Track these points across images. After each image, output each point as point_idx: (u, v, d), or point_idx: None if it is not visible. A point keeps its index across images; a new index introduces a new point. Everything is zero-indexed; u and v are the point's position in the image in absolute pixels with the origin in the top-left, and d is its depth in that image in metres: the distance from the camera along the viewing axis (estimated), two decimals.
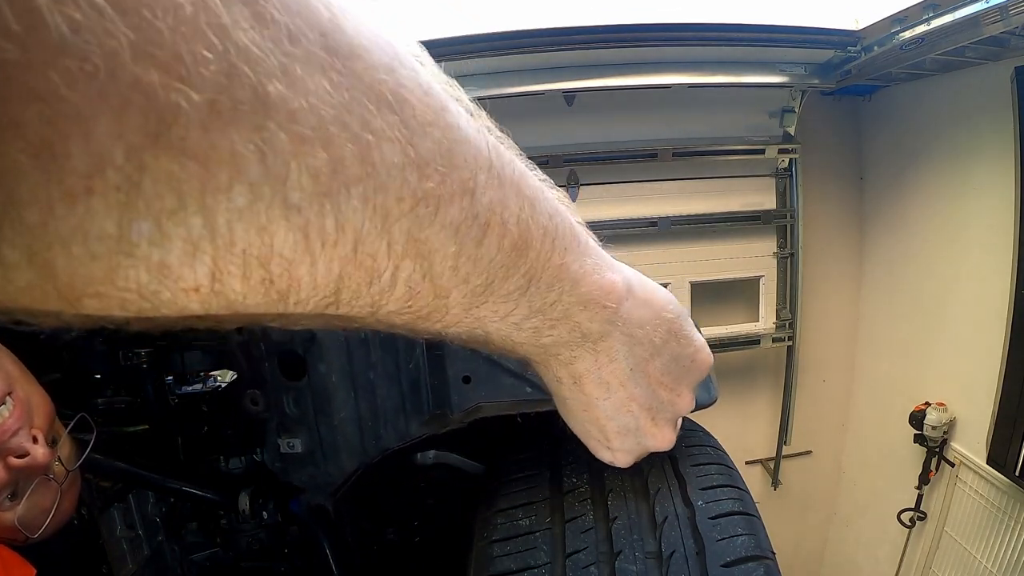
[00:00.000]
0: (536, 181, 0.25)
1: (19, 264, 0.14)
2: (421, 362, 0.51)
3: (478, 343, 0.28)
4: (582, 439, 0.40)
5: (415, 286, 0.21)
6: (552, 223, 0.26)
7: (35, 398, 0.53)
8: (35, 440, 0.52)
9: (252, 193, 0.16)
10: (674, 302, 0.37)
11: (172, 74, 0.14)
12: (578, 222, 0.28)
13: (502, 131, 0.25)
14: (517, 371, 0.51)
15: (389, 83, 0.18)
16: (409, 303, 0.21)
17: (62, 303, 0.16)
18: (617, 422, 0.37)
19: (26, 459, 0.50)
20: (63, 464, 0.55)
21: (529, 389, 0.52)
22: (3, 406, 0.50)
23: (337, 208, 0.17)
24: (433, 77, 0.21)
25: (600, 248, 0.30)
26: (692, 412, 0.56)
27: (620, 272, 0.31)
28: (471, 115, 0.22)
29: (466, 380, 0.51)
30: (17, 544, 0.53)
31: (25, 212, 0.14)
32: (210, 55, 0.14)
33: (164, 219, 0.15)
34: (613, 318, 0.31)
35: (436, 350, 0.51)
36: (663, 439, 0.40)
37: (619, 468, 0.59)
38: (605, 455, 0.41)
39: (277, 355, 0.49)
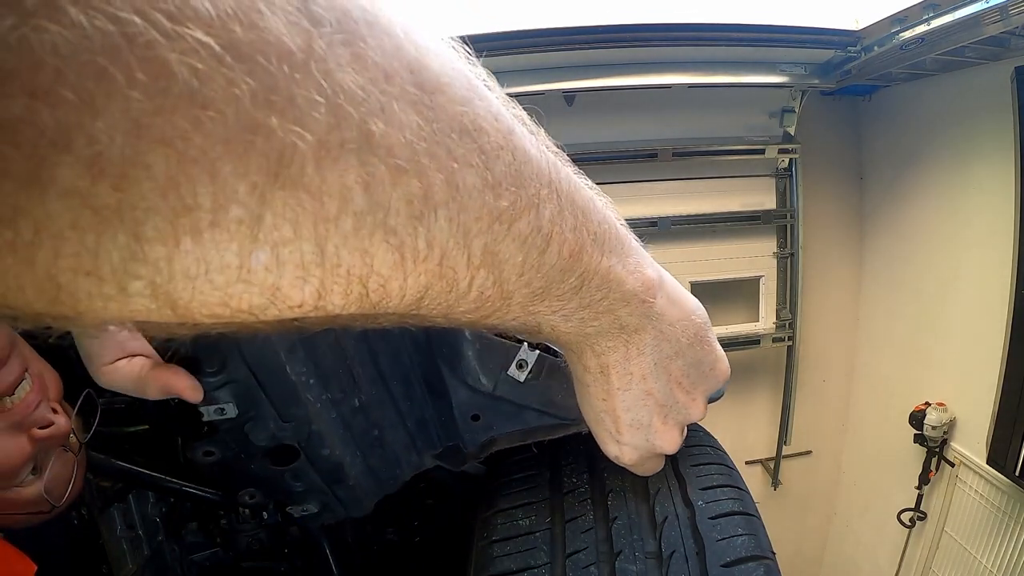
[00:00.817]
0: (587, 191, 0.27)
1: (140, 294, 0.16)
2: (424, 400, 0.51)
3: (528, 331, 0.30)
4: (594, 429, 0.41)
5: (486, 292, 0.23)
6: (601, 229, 0.28)
7: (47, 374, 0.55)
8: (54, 411, 0.53)
9: (357, 221, 0.17)
10: (702, 308, 0.39)
11: (288, 117, 0.15)
12: (621, 224, 0.31)
13: (558, 147, 0.26)
14: (523, 403, 0.51)
15: (468, 114, 0.20)
16: (478, 305, 0.23)
17: (174, 321, 0.17)
18: (631, 415, 0.38)
19: (50, 428, 0.52)
20: (76, 436, 0.56)
21: (539, 418, 0.52)
22: (24, 381, 0.51)
23: (427, 229, 0.19)
24: (501, 102, 0.22)
25: (640, 246, 0.33)
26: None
27: (656, 269, 0.34)
28: (533, 135, 0.24)
29: (475, 418, 0.51)
30: (35, 523, 0.54)
31: (149, 248, 0.15)
32: (320, 98, 0.16)
33: (280, 248, 0.17)
34: (649, 312, 0.33)
35: (440, 398, 0.50)
36: (670, 440, 0.40)
37: (619, 468, 0.59)
38: (612, 449, 0.41)
39: (265, 454, 0.48)
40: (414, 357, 0.48)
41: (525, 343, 0.49)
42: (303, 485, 0.51)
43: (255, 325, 0.19)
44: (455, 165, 0.19)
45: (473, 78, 0.21)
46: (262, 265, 0.16)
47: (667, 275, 0.36)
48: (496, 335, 0.48)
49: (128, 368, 0.44)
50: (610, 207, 0.30)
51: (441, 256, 0.20)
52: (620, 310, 0.31)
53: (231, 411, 0.44)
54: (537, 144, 0.24)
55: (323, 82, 0.16)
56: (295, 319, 0.19)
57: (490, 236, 0.21)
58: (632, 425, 0.38)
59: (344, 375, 0.46)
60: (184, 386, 0.43)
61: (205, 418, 0.44)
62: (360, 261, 0.18)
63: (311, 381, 0.45)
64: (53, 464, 0.55)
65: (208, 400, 0.44)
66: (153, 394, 0.43)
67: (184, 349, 0.41)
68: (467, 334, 0.47)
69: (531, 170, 0.22)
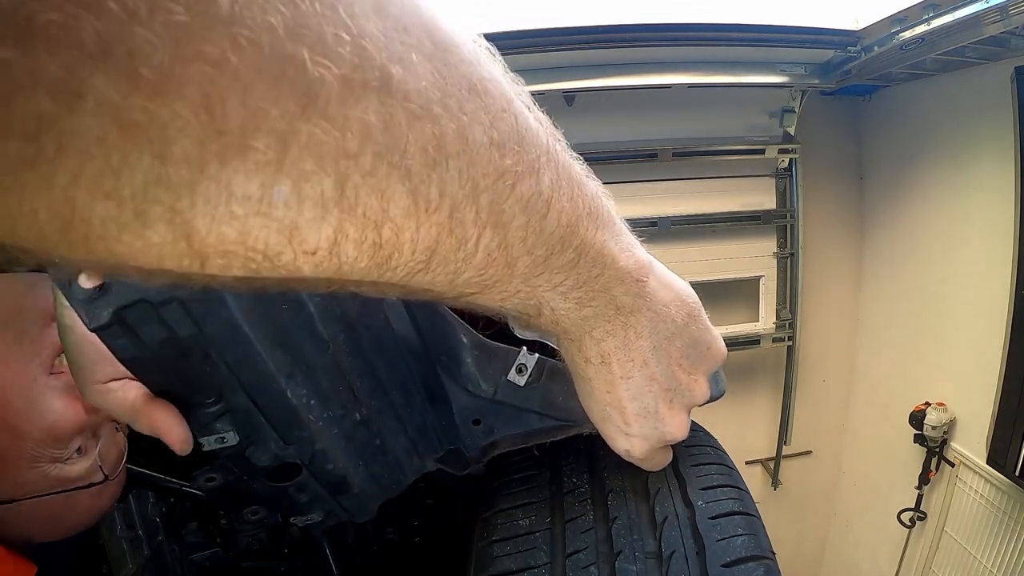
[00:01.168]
0: (579, 169, 0.28)
1: (159, 221, 0.16)
2: (424, 406, 0.51)
3: (527, 314, 0.30)
4: (601, 427, 0.40)
5: (492, 254, 0.23)
6: (595, 204, 0.28)
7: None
8: None
9: (375, 160, 0.18)
10: (692, 290, 0.39)
11: (317, 51, 0.16)
12: (612, 207, 0.31)
13: (555, 126, 0.28)
14: (524, 406, 0.51)
15: (476, 74, 0.21)
16: (483, 271, 0.24)
17: (188, 262, 0.17)
18: (638, 403, 0.38)
19: None
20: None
21: (540, 421, 0.52)
22: None
23: (440, 178, 0.20)
24: (502, 70, 0.24)
25: (629, 232, 0.33)
26: (699, 405, 0.56)
27: (645, 253, 0.34)
28: (529, 108, 0.25)
29: (476, 423, 0.51)
30: (74, 523, 0.53)
31: (174, 171, 0.15)
32: (347, 37, 0.17)
33: (302, 183, 0.17)
34: (643, 292, 0.34)
35: (440, 403, 0.50)
36: (679, 425, 0.40)
37: (619, 468, 0.59)
38: (622, 442, 0.40)
39: (268, 474, 0.48)
40: (412, 365, 0.47)
41: (524, 347, 0.48)
42: (307, 496, 0.50)
43: (263, 280, 0.19)
44: (465, 119, 0.20)
45: (477, 46, 0.22)
46: (283, 199, 0.17)
47: (655, 260, 0.36)
48: (493, 338, 0.48)
49: (122, 394, 0.41)
50: (601, 189, 0.30)
51: (451, 208, 0.20)
52: (615, 289, 0.32)
53: (232, 439, 0.43)
54: (535, 115, 0.25)
55: (349, 23, 0.16)
56: (304, 277, 0.19)
57: (495, 193, 0.22)
58: (640, 414, 0.38)
59: (344, 391, 0.46)
60: (174, 438, 0.40)
61: (206, 448, 0.43)
62: (377, 203, 0.18)
63: (312, 402, 0.45)
64: (103, 441, 0.54)
65: (208, 430, 0.43)
66: (142, 429, 0.41)
67: (180, 379, 0.40)
68: (465, 340, 0.47)
69: (531, 137, 0.23)
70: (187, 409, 0.42)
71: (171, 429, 0.40)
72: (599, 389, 0.37)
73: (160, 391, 0.40)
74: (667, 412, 0.39)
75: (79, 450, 0.52)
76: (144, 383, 0.40)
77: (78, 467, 0.52)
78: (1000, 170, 1.73)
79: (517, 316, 0.31)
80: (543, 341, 0.49)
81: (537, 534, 0.52)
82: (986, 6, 1.40)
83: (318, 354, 0.43)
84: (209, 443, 0.43)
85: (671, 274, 0.37)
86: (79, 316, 0.35)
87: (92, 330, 0.35)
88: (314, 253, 0.18)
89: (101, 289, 0.35)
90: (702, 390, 0.40)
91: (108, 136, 0.14)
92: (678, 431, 0.40)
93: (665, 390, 0.38)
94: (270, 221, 0.17)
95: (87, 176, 0.14)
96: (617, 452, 0.41)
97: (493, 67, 0.22)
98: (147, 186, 0.15)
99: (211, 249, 0.17)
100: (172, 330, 0.37)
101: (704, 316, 0.39)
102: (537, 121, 0.25)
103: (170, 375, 0.39)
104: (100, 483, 0.53)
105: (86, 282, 0.34)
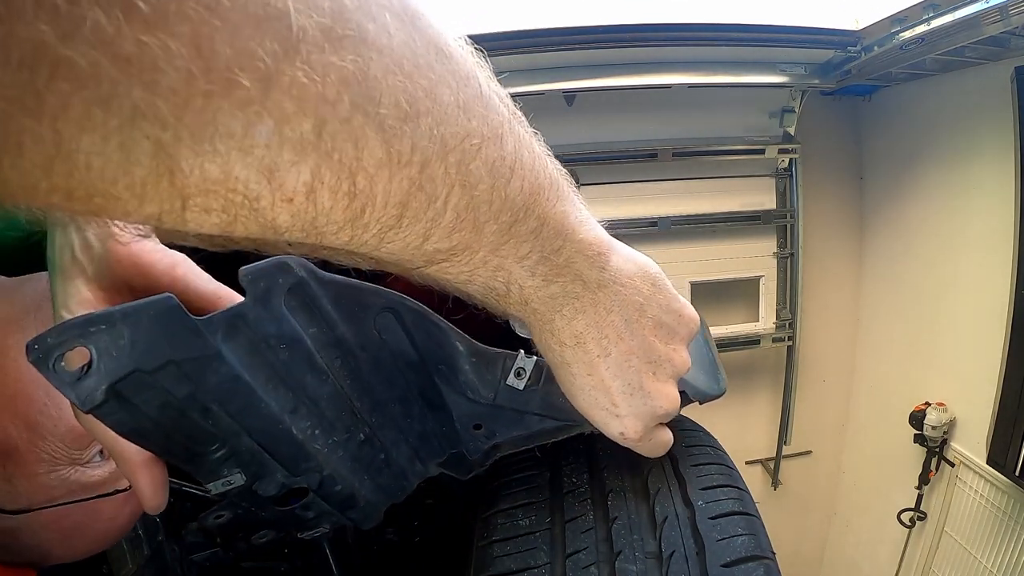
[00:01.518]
0: (538, 145, 0.29)
1: (144, 155, 0.16)
2: (423, 415, 0.50)
3: (496, 296, 0.31)
4: (591, 415, 0.40)
5: (461, 214, 0.24)
6: (554, 177, 0.29)
7: None
8: None
9: (352, 108, 0.19)
10: (653, 262, 0.39)
11: (300, 1, 0.17)
12: (571, 185, 0.32)
13: (515, 102, 0.29)
14: (524, 409, 0.51)
15: (442, 39, 0.22)
16: (452, 234, 0.25)
17: (169, 204, 0.17)
18: (621, 380, 0.37)
19: None
20: None
21: (540, 422, 0.52)
22: None
23: (412, 132, 0.21)
24: (464, 44, 0.25)
25: (587, 211, 0.34)
26: (702, 403, 0.56)
27: (603, 232, 0.35)
28: (491, 80, 0.26)
29: (477, 427, 0.51)
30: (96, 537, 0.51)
31: (162, 103, 0.15)
32: None
33: (283, 123, 0.18)
34: (606, 266, 0.34)
35: (440, 411, 0.50)
36: (668, 396, 0.39)
37: (619, 468, 0.59)
38: (615, 426, 0.39)
39: (276, 501, 0.48)
40: (410, 377, 0.47)
41: (521, 350, 0.48)
42: (314, 513, 0.50)
43: (238, 233, 0.20)
44: (434, 77, 0.21)
45: (440, 17, 0.23)
46: (264, 138, 0.17)
47: (615, 240, 0.36)
48: (489, 342, 0.48)
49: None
50: (559, 166, 0.31)
51: (421, 164, 0.21)
52: (579, 263, 0.32)
53: (238, 480, 0.42)
54: (495, 87, 0.26)
55: None
56: (279, 229, 0.20)
57: (463, 154, 0.23)
58: (625, 391, 0.37)
59: (347, 415, 0.46)
60: (147, 494, 0.38)
61: (213, 492, 0.43)
62: (352, 150, 0.19)
63: (316, 432, 0.44)
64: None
65: (214, 476, 0.42)
66: (122, 472, 0.39)
67: (182, 436, 0.39)
68: (461, 347, 0.46)
69: (494, 105, 0.25)
70: (191, 459, 0.41)
71: (147, 488, 0.38)
72: (580, 373, 0.37)
73: (163, 453, 0.39)
74: (652, 385, 0.38)
75: (100, 453, 0.49)
76: (147, 450, 0.38)
77: (99, 472, 0.49)
78: (1000, 170, 1.73)
79: (486, 296, 0.31)
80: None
81: (537, 534, 0.52)
82: (986, 6, 1.40)
83: (318, 384, 0.43)
84: (216, 487, 0.42)
85: (630, 249, 0.38)
86: (69, 400, 0.33)
87: (87, 412, 0.33)
88: (291, 200, 0.19)
89: (88, 368, 0.32)
90: (683, 359, 0.40)
91: (100, 66, 0.14)
92: (668, 404, 0.39)
93: (646, 363, 0.37)
94: (251, 160, 0.18)
95: (76, 106, 0.14)
96: (613, 438, 0.40)
97: (457, 39, 0.24)
98: (134, 118, 0.15)
99: (193, 188, 0.17)
100: (169, 393, 0.36)
101: (669, 285, 0.39)
102: (498, 95, 0.26)
103: (172, 436, 0.38)
104: (124, 491, 0.50)
105: (71, 364, 0.32)
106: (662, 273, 0.39)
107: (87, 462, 0.48)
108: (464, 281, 0.29)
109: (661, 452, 0.44)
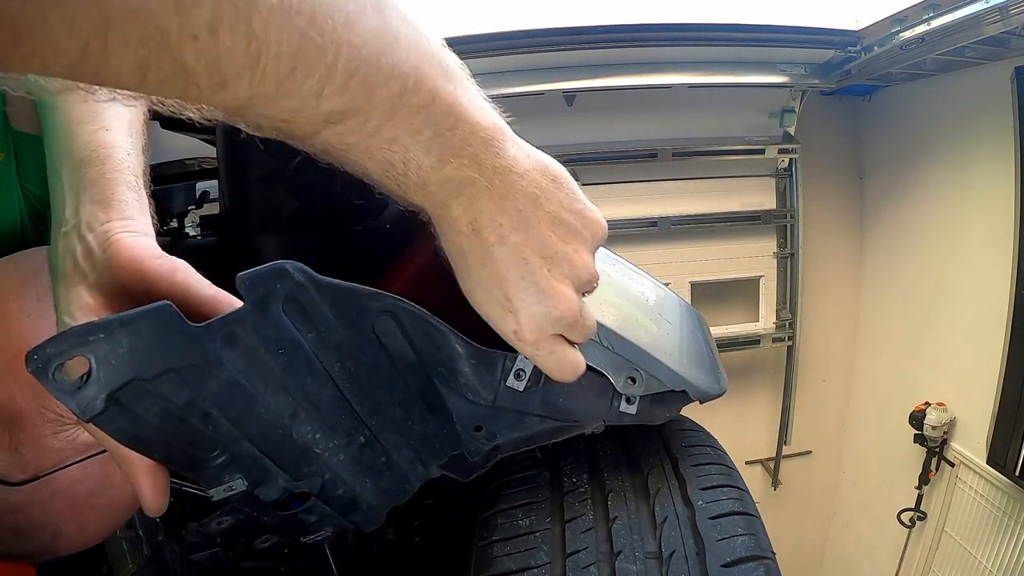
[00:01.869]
0: (430, 35, 0.31)
1: None
2: (424, 417, 0.50)
3: (395, 174, 0.32)
4: (486, 310, 0.38)
5: (351, 74, 0.26)
6: (444, 62, 0.31)
7: None
8: None
9: None
10: (557, 163, 0.38)
11: None
12: (466, 74, 0.33)
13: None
14: (525, 410, 0.51)
15: None
16: (344, 94, 0.26)
17: (94, 31, 0.19)
18: (515, 273, 0.36)
19: None
20: None
21: (541, 423, 0.52)
22: None
23: None
24: None
25: (490, 103, 0.35)
26: (702, 403, 0.56)
27: (503, 123, 0.35)
28: None
29: (477, 429, 0.51)
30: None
31: None
32: None
33: None
34: (503, 153, 0.34)
35: (440, 413, 0.50)
36: (564, 299, 0.37)
37: (619, 468, 0.59)
38: (508, 323, 0.38)
39: (278, 506, 0.48)
40: (409, 380, 0.47)
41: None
42: (316, 517, 0.50)
43: (151, 81, 0.21)
44: None
45: None
46: None
47: (517, 136, 0.37)
48: (487, 344, 0.48)
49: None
50: (454, 57, 0.32)
51: (311, 17, 0.23)
52: (475, 146, 0.33)
53: (240, 485, 0.42)
54: None
55: None
56: (187, 68, 0.22)
57: (348, 15, 0.25)
58: (518, 286, 0.36)
59: (347, 418, 0.46)
60: (147, 497, 0.38)
61: (215, 498, 0.43)
62: None
63: (317, 436, 0.44)
64: None
65: (216, 482, 0.42)
66: (124, 474, 0.39)
67: (182, 443, 0.39)
68: (460, 349, 0.46)
69: None
70: (192, 466, 0.41)
71: (147, 490, 0.38)
72: (475, 264, 0.36)
73: (164, 460, 0.39)
74: (548, 283, 0.37)
75: None
76: (148, 457, 0.38)
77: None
78: (1000, 170, 1.73)
79: (386, 174, 0.32)
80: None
81: (537, 534, 0.52)
82: (986, 6, 1.41)
83: (318, 389, 0.43)
84: (218, 493, 0.42)
85: (532, 148, 0.37)
86: (70, 409, 0.33)
87: (87, 421, 0.34)
88: (196, 37, 0.21)
89: (87, 377, 0.33)
90: (584, 262, 0.38)
91: None
92: (564, 307, 0.37)
93: (541, 258, 0.36)
94: None
95: None
96: (508, 340, 0.38)
97: None
98: None
99: (114, 14, 0.19)
100: (169, 400, 0.36)
101: (574, 186, 0.38)
102: None
103: (173, 443, 0.38)
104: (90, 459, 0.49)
105: (71, 373, 0.32)
106: (567, 174, 0.38)
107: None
108: (362, 154, 0.30)
109: (568, 374, 0.41)
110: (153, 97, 0.24)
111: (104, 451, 0.46)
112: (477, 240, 0.35)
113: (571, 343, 0.40)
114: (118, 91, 0.23)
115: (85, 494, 0.49)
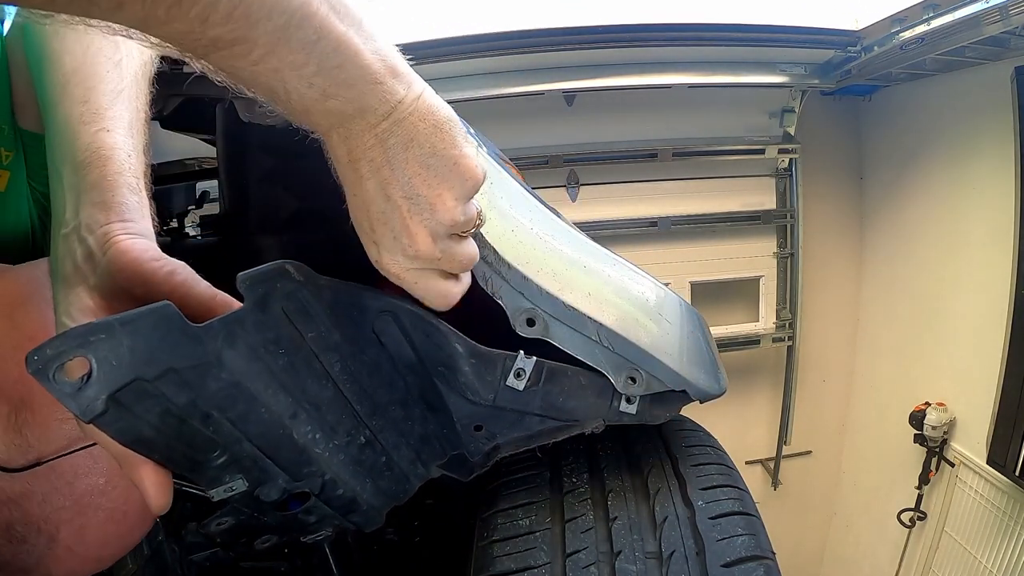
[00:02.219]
0: None
1: None
2: (424, 417, 0.50)
3: (277, 96, 0.33)
4: (359, 235, 0.40)
5: (235, 4, 0.27)
6: (341, 2, 0.32)
7: None
8: None
9: None
10: (450, 110, 0.39)
11: None
12: (365, 17, 0.34)
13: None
14: (525, 410, 0.51)
15: None
16: (227, 23, 0.28)
17: None
18: (377, 207, 0.38)
19: None
20: None
21: (541, 423, 0.52)
22: None
23: None
24: None
25: (392, 47, 0.35)
26: (702, 402, 0.56)
27: (405, 66, 0.36)
28: None
29: (477, 429, 0.51)
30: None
31: None
32: None
33: None
34: (388, 95, 0.35)
35: (440, 412, 0.50)
36: (417, 239, 0.39)
37: (619, 468, 0.59)
38: (372, 252, 0.40)
39: (278, 506, 0.47)
40: (410, 380, 0.47)
41: (521, 351, 0.48)
42: (316, 517, 0.50)
43: None
44: None
45: None
46: None
47: (423, 82, 0.37)
48: (487, 343, 0.48)
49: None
50: (367, 16, 0.33)
51: None
52: (361, 86, 0.34)
53: (240, 486, 0.42)
54: None
55: None
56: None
57: None
58: (379, 221, 0.38)
59: (348, 418, 0.46)
60: (151, 495, 0.38)
61: (216, 499, 0.43)
62: None
63: (317, 436, 0.44)
64: None
65: (216, 483, 0.42)
66: (126, 474, 0.39)
67: (183, 444, 0.39)
68: (460, 349, 0.46)
69: None
70: (193, 467, 0.41)
71: (151, 487, 0.38)
72: (351, 192, 0.38)
73: (165, 462, 0.39)
74: (406, 224, 0.38)
75: None
76: (149, 459, 0.38)
77: None
78: (1000, 170, 1.73)
79: (270, 99, 0.33)
80: (544, 338, 0.48)
81: (537, 534, 0.52)
82: (986, 6, 1.40)
83: (318, 389, 0.43)
84: (219, 494, 0.42)
85: (434, 94, 0.38)
86: (71, 410, 0.33)
87: (88, 422, 0.33)
88: None
89: (88, 378, 0.32)
90: (447, 209, 0.39)
91: None
92: (417, 248, 0.39)
93: (403, 198, 0.37)
94: None
95: None
96: (373, 263, 0.40)
97: None
98: None
99: None
100: (170, 401, 0.36)
101: (456, 134, 0.39)
102: None
103: (173, 444, 0.38)
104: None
105: (71, 373, 0.32)
106: (453, 120, 0.39)
107: None
108: (248, 79, 0.32)
109: (439, 303, 0.42)
110: (63, 15, 0.26)
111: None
112: (352, 171, 0.37)
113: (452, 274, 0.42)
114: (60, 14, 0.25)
115: (88, 491, 0.47)
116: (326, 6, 0.31)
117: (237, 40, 0.29)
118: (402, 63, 0.36)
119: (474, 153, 0.39)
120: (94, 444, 0.45)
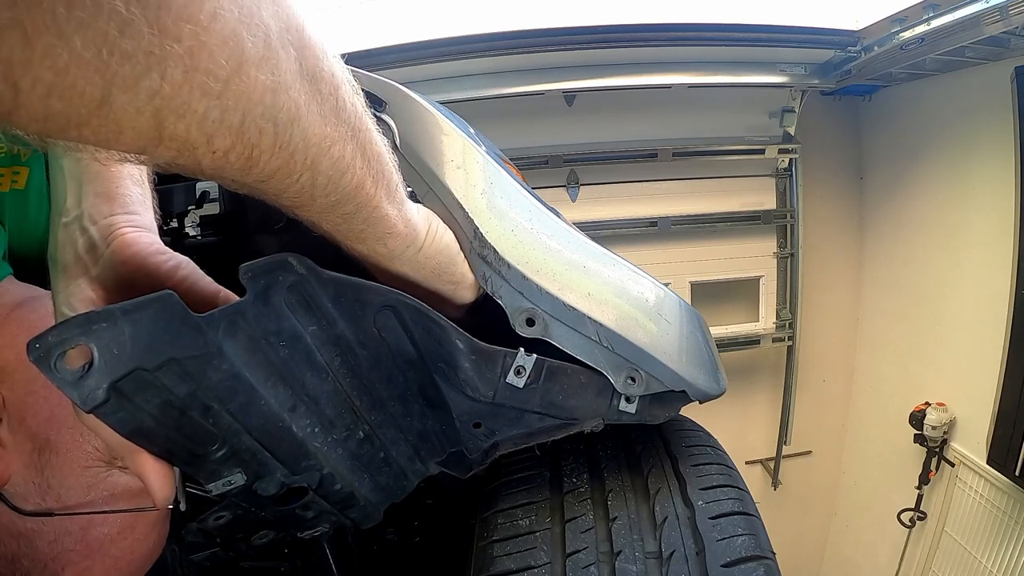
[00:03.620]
0: (380, 140, 0.35)
1: (146, 110, 0.22)
2: (423, 413, 0.50)
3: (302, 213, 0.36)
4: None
5: (304, 187, 0.31)
6: (385, 172, 0.36)
7: None
8: None
9: (263, 117, 0.26)
10: (466, 271, 0.45)
11: (244, 21, 0.23)
12: (397, 175, 0.38)
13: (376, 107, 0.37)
14: (524, 407, 0.51)
15: (320, 66, 0.29)
16: (296, 197, 0.32)
17: (147, 137, 0.22)
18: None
19: None
20: None
21: (541, 420, 0.52)
22: None
23: (290, 134, 0.28)
24: (336, 61, 0.31)
25: (407, 197, 0.40)
26: (702, 403, 0.56)
27: (426, 216, 0.42)
28: (351, 85, 0.32)
29: (476, 426, 0.51)
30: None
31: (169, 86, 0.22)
32: (260, 26, 0.24)
33: (224, 112, 0.24)
34: (391, 242, 0.40)
35: (439, 409, 0.50)
36: None
37: (619, 468, 0.59)
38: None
39: (275, 501, 0.47)
40: (409, 375, 0.47)
41: (521, 348, 0.48)
42: (313, 513, 0.50)
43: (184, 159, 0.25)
44: (304, 98, 0.28)
45: (325, 44, 0.30)
46: (213, 118, 0.24)
47: (438, 225, 0.43)
48: (487, 340, 0.48)
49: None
50: (392, 159, 0.37)
51: (291, 153, 0.29)
52: (368, 234, 0.38)
53: (239, 480, 0.42)
54: (352, 98, 0.32)
55: (262, 13, 0.24)
56: (201, 166, 0.26)
57: (319, 150, 0.30)
58: None
59: (347, 413, 0.46)
60: (155, 487, 0.38)
61: (214, 493, 0.42)
62: (257, 137, 0.26)
63: (316, 430, 0.44)
64: None
65: (215, 476, 0.42)
66: (130, 468, 0.39)
67: (182, 436, 0.39)
68: (460, 345, 0.46)
69: (346, 116, 0.31)
70: (192, 460, 0.40)
71: (154, 484, 0.38)
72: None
73: (164, 454, 0.38)
74: None
75: None
76: (148, 451, 0.38)
77: (125, 478, 0.47)
78: (1000, 170, 1.73)
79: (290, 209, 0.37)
80: (543, 338, 0.48)
81: (537, 534, 0.52)
82: (986, 6, 1.40)
83: (318, 382, 0.43)
84: (217, 487, 0.42)
85: (447, 241, 0.43)
86: (71, 399, 0.33)
87: (89, 411, 0.33)
88: (215, 152, 0.25)
89: (89, 367, 0.32)
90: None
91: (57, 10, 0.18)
92: None
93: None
94: (203, 126, 0.24)
95: (40, 44, 0.18)
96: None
97: (332, 61, 0.30)
98: (154, 97, 0.21)
99: (167, 137, 0.23)
100: (171, 391, 0.36)
101: (460, 262, 0.45)
102: (353, 103, 0.32)
103: (173, 436, 0.38)
104: (156, 509, 0.47)
105: (72, 362, 0.32)
106: (452, 242, 0.44)
107: (124, 466, 0.45)
108: (280, 204, 0.36)
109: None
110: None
111: (133, 508, 0.46)
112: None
113: None
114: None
115: (99, 539, 0.47)
116: (371, 179, 0.35)
117: (298, 204, 0.33)
118: (412, 207, 0.41)
119: (472, 277, 0.46)
120: (115, 511, 0.46)
